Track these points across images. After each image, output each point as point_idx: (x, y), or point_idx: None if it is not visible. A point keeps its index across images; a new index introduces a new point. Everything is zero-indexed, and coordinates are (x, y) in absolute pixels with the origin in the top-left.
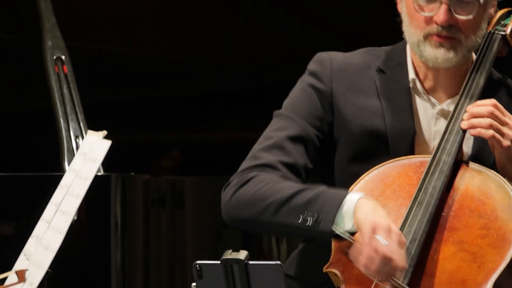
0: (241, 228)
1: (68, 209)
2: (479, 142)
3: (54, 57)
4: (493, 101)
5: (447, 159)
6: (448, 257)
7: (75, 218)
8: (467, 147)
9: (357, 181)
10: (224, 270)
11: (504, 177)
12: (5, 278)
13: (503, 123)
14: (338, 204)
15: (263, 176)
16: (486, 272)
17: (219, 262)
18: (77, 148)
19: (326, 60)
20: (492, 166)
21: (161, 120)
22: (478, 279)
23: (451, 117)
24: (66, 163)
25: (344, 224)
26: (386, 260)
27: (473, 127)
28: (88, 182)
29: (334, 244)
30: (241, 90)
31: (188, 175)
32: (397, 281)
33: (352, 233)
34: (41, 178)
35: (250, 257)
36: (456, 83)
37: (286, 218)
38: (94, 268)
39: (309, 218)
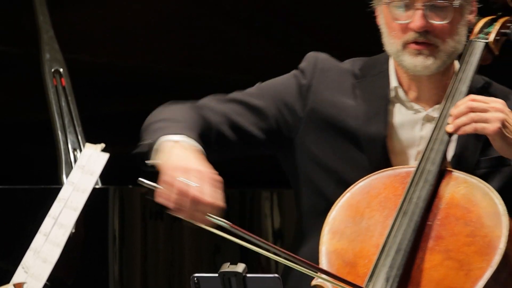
0: None
1: (66, 222)
2: (462, 143)
3: (52, 70)
4: (470, 96)
5: (431, 168)
6: (434, 265)
7: (73, 231)
8: (450, 150)
9: (343, 193)
10: (222, 283)
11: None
12: None
13: (486, 110)
14: (154, 140)
15: (168, 104)
16: (473, 280)
17: (217, 275)
18: (75, 161)
19: (312, 58)
20: (477, 165)
21: None
22: (465, 286)
23: (435, 127)
24: (64, 176)
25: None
26: (196, 201)
27: (457, 127)
28: (86, 195)
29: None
30: None
31: None
32: (214, 217)
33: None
34: (39, 190)
35: (248, 269)
36: (441, 91)
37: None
38: (92, 281)
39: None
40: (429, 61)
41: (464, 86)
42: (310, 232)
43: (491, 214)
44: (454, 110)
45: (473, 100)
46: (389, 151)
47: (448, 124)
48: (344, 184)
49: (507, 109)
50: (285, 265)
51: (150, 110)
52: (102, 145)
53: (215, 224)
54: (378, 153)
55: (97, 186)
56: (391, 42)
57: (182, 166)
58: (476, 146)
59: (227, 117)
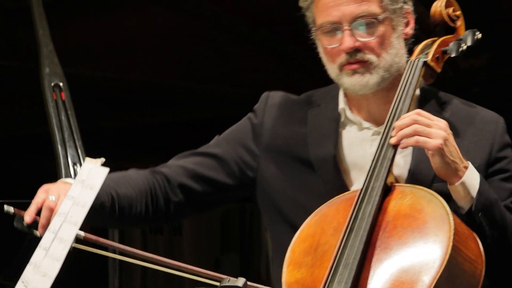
0: None
1: (65, 237)
2: (417, 157)
3: (52, 84)
4: (416, 110)
5: (376, 184)
6: (384, 275)
7: (73, 245)
8: (405, 166)
9: (302, 225)
10: None
11: (447, 182)
12: None
13: (430, 125)
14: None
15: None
16: (425, 283)
17: None
18: (75, 175)
19: (264, 97)
20: (433, 180)
21: (160, 146)
22: None
23: (378, 144)
24: None
25: None
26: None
27: (400, 138)
28: (86, 209)
29: None
30: (241, 116)
31: None
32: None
33: None
34: None
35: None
36: (389, 108)
37: None
38: None
39: None
40: (366, 78)
41: (405, 105)
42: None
43: (437, 217)
44: (398, 122)
45: (419, 114)
46: (342, 170)
47: (391, 137)
48: (309, 211)
49: (449, 130)
50: None
51: (150, 124)
52: (102, 160)
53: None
54: (330, 173)
55: None
56: (330, 68)
57: (45, 187)
58: None
59: (185, 169)
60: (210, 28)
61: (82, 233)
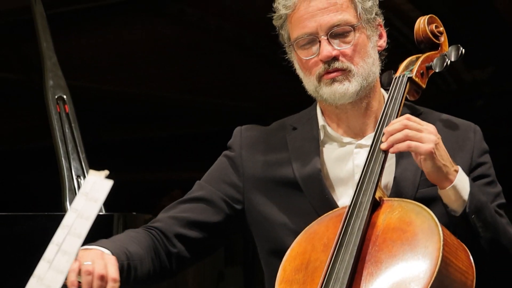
0: None
1: (69, 249)
2: (402, 165)
3: (56, 97)
4: (405, 115)
5: (364, 199)
6: None
7: (77, 258)
8: (390, 174)
9: (293, 243)
10: None
11: (438, 186)
12: None
13: (420, 130)
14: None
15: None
16: None
17: None
18: (79, 187)
19: (237, 132)
20: (419, 186)
21: (163, 159)
22: None
23: (366, 160)
24: (67, 203)
25: None
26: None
27: (391, 143)
28: (89, 222)
29: None
30: None
31: None
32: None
33: None
34: (42, 217)
35: None
36: (370, 121)
37: None
38: None
39: None
40: (345, 86)
41: (391, 120)
42: None
43: (425, 229)
44: (388, 128)
45: (408, 119)
46: (328, 186)
47: (382, 142)
48: (299, 232)
49: (438, 135)
50: None
51: (153, 137)
52: (106, 172)
53: None
54: (316, 190)
55: (101, 213)
56: (308, 81)
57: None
58: (417, 166)
59: (176, 218)
60: (214, 41)
61: None
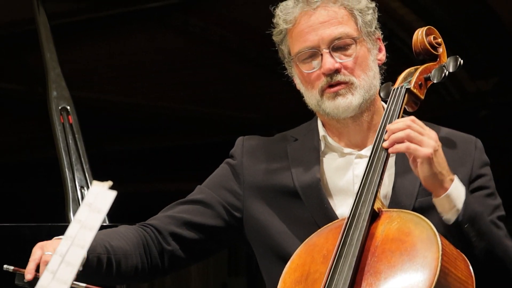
0: None
1: (73, 260)
2: (401, 173)
3: (60, 107)
4: (411, 117)
5: (363, 210)
6: None
7: (80, 269)
8: (389, 184)
9: (293, 255)
10: None
11: (433, 193)
12: None
13: (422, 134)
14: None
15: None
16: None
17: None
18: (82, 198)
19: (239, 141)
20: (418, 195)
21: (167, 170)
22: None
23: (365, 171)
24: (71, 214)
25: None
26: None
27: (392, 142)
28: (93, 233)
29: None
30: None
31: None
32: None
33: None
34: (46, 228)
35: None
36: (370, 132)
37: None
38: None
39: None
40: (348, 99)
41: None
42: None
43: (424, 239)
44: (392, 126)
45: (413, 120)
46: (327, 195)
47: (384, 140)
48: (299, 240)
49: (439, 142)
50: None
51: (157, 148)
52: (110, 183)
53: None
54: (315, 199)
55: (104, 224)
56: (310, 95)
57: (39, 244)
58: (415, 176)
59: (173, 218)
60: (217, 52)
61: (83, 285)
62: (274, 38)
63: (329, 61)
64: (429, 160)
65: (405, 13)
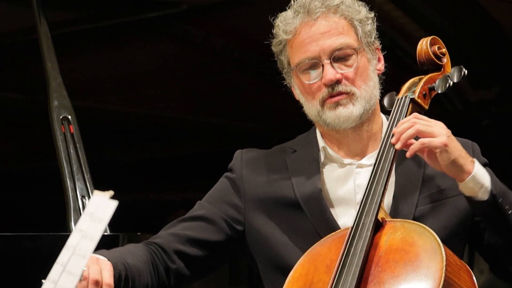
0: None
1: (74, 270)
2: (400, 183)
3: (61, 117)
4: (413, 114)
5: (366, 220)
6: None
7: (81, 278)
8: (389, 193)
9: (296, 264)
10: None
11: (457, 179)
12: None
13: (430, 125)
14: None
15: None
16: None
17: None
18: (84, 208)
19: (237, 154)
20: (417, 204)
21: (168, 179)
22: None
23: (368, 181)
24: (72, 223)
25: None
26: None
27: (404, 141)
28: (94, 242)
29: None
30: None
31: None
32: None
33: None
34: (47, 238)
35: None
36: (370, 141)
37: None
38: None
39: None
40: (349, 110)
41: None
42: None
43: (428, 249)
44: (398, 128)
45: (416, 117)
46: (328, 206)
47: (392, 144)
48: (301, 251)
49: (448, 129)
50: None
51: (158, 157)
52: (111, 193)
53: None
54: (317, 210)
55: (106, 233)
56: (310, 106)
57: None
58: (415, 185)
59: (176, 235)
60: (219, 61)
61: None
62: (273, 48)
63: (331, 72)
64: (446, 147)
65: (406, 22)
